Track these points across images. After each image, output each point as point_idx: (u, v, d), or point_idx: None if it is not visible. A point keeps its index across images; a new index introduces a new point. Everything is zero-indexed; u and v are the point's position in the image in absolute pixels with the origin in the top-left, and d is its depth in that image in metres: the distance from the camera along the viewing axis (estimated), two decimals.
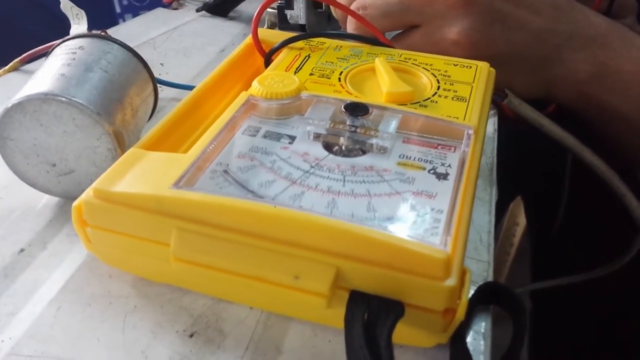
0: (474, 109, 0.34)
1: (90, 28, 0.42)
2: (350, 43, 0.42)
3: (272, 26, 0.61)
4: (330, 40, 0.42)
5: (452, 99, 0.35)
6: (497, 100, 0.45)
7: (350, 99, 0.34)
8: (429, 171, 0.29)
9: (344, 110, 0.33)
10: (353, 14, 0.45)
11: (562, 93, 0.48)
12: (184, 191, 0.26)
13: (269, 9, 0.60)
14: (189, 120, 0.35)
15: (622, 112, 0.47)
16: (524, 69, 0.47)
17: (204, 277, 0.27)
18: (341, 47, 0.41)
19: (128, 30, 0.64)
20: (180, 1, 0.73)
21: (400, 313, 0.24)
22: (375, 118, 0.32)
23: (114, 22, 0.94)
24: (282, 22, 0.59)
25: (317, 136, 0.32)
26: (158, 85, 0.40)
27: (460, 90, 0.35)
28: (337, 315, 0.25)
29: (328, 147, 0.31)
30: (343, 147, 0.31)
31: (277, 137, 0.31)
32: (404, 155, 0.30)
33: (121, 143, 0.33)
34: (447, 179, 0.29)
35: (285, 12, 0.58)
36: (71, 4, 0.43)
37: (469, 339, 0.27)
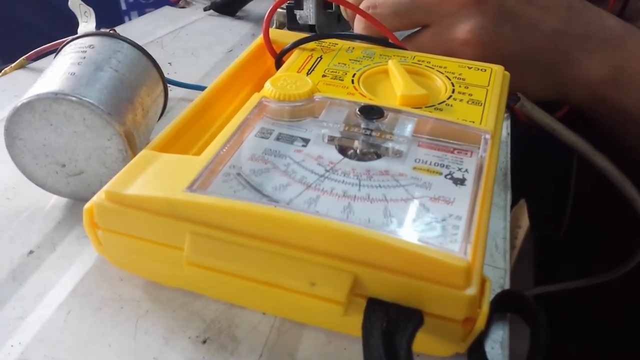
0: (490, 113, 0.33)
1: (96, 26, 0.41)
2: (363, 44, 0.41)
3: (280, 26, 0.61)
4: (342, 42, 0.41)
5: (468, 102, 0.34)
6: (510, 104, 0.45)
7: (365, 101, 0.33)
8: (445, 176, 0.29)
9: (358, 113, 0.32)
10: (363, 13, 0.44)
11: (575, 95, 0.48)
12: (197, 195, 0.26)
13: (278, 9, 0.59)
14: (200, 121, 0.34)
15: (637, 114, 0.47)
16: (536, 70, 0.47)
17: (217, 282, 0.26)
18: (353, 48, 0.40)
19: (135, 29, 0.63)
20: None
21: (420, 322, 0.23)
22: (390, 121, 0.32)
23: (119, 20, 0.93)
24: (291, 23, 0.58)
25: (331, 139, 0.31)
26: (167, 85, 0.40)
27: (476, 94, 0.35)
28: (353, 323, 0.24)
29: (342, 150, 0.30)
30: (358, 151, 0.30)
31: (291, 139, 0.31)
32: (419, 160, 0.30)
33: (132, 144, 0.32)
34: (465, 185, 0.28)
35: (295, 12, 0.57)
36: (79, 1, 0.42)
37: (487, 348, 0.26)
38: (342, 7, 0.54)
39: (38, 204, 0.34)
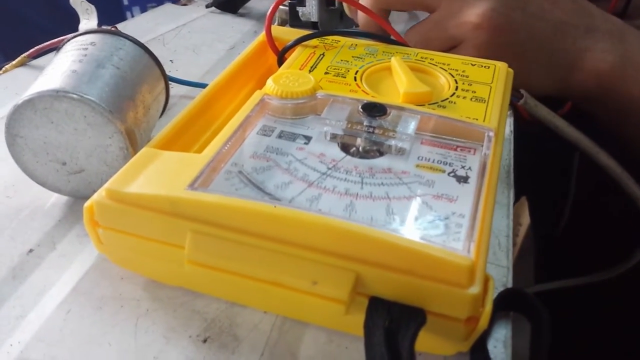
0: (494, 111, 0.33)
1: (97, 23, 0.41)
2: (366, 41, 0.41)
3: (282, 23, 0.60)
4: (344, 39, 0.41)
5: (471, 99, 0.34)
6: (514, 101, 0.44)
7: (367, 99, 0.33)
8: (448, 174, 0.29)
9: (361, 110, 0.32)
10: (365, 9, 0.44)
11: (581, 85, 0.47)
12: (199, 193, 0.26)
13: (280, 6, 0.59)
14: (202, 119, 0.34)
15: None
16: (543, 59, 0.47)
17: (218, 280, 0.26)
18: (356, 45, 0.40)
19: (136, 26, 0.63)
20: None
21: (422, 321, 0.23)
22: (393, 119, 0.32)
23: (121, 16, 0.93)
24: (293, 20, 0.58)
25: (333, 137, 0.31)
26: (169, 82, 0.40)
27: (479, 91, 0.35)
28: (355, 322, 0.24)
29: (345, 148, 0.30)
30: (360, 148, 0.30)
31: (293, 137, 0.31)
32: (422, 157, 0.30)
33: (133, 142, 0.32)
34: (468, 182, 0.28)
35: (297, 9, 0.57)
36: None
37: (489, 347, 0.26)
38: (345, 5, 0.53)
39: (38, 202, 0.34)
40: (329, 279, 0.24)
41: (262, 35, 0.42)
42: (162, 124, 0.33)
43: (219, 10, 0.69)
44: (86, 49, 0.35)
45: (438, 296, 0.23)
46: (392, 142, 0.30)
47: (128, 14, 0.95)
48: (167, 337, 0.26)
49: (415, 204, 0.27)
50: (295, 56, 0.39)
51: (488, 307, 0.23)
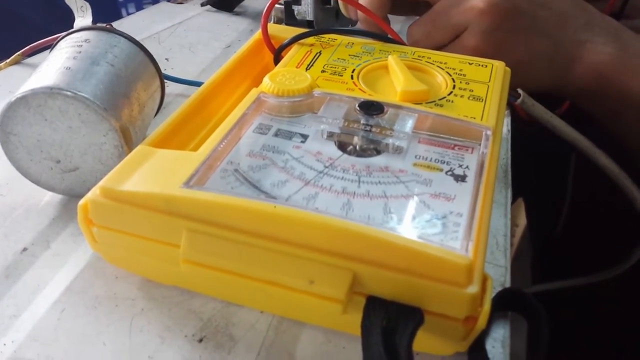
0: (491, 109, 0.33)
1: (93, 18, 0.41)
2: (362, 40, 0.41)
3: (278, 22, 0.60)
4: (341, 37, 0.41)
5: (468, 98, 0.34)
6: (511, 100, 0.44)
7: (364, 97, 0.33)
8: (446, 173, 0.28)
9: (358, 108, 0.32)
10: (362, 8, 0.44)
11: (580, 78, 0.47)
12: (194, 191, 0.25)
13: (276, 5, 0.58)
14: (198, 117, 0.34)
15: None
16: (547, 49, 0.47)
17: (214, 280, 0.26)
18: (353, 44, 0.40)
19: (132, 25, 0.63)
20: None
21: (420, 320, 0.23)
22: (390, 117, 0.32)
23: (116, 12, 0.93)
24: (289, 18, 0.58)
25: (330, 135, 0.31)
26: (164, 80, 0.39)
27: (477, 90, 0.35)
28: (352, 321, 0.24)
29: (342, 146, 0.30)
30: (357, 147, 0.30)
31: (289, 135, 0.31)
32: (420, 156, 0.29)
33: (128, 140, 0.32)
34: (466, 181, 0.28)
35: (293, 8, 0.57)
36: None
37: (487, 347, 0.26)
38: (340, 4, 0.53)
39: (32, 200, 0.34)
40: (326, 278, 0.24)
41: (258, 34, 0.42)
42: (158, 122, 0.32)
43: (214, 9, 0.68)
44: (80, 46, 0.34)
45: (436, 295, 0.23)
46: (390, 141, 0.30)
47: (123, 10, 0.94)
48: (163, 336, 0.26)
49: (413, 203, 0.26)
50: (292, 54, 0.38)
51: (486, 306, 0.23)
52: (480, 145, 0.30)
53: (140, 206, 0.25)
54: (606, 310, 0.67)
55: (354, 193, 0.27)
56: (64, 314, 0.27)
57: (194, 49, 0.57)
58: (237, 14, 0.68)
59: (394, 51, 0.39)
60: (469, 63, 0.38)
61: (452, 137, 0.31)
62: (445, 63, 0.38)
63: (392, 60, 0.36)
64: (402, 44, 0.41)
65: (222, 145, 0.29)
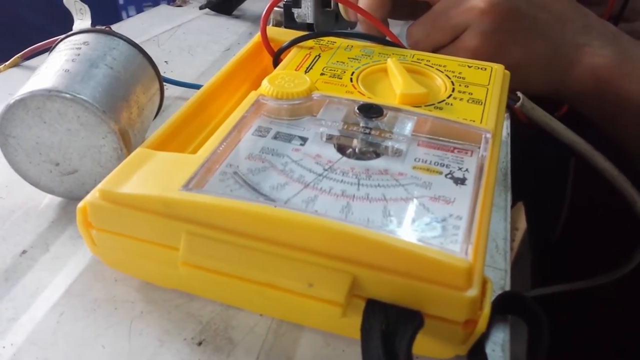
0: (491, 112, 0.33)
1: (92, 20, 0.41)
2: (362, 43, 0.41)
3: (277, 25, 0.60)
4: (340, 40, 0.41)
5: (468, 101, 0.34)
6: (510, 104, 0.44)
7: (363, 100, 0.33)
8: (445, 176, 0.28)
9: (357, 111, 0.32)
10: (362, 11, 0.44)
11: (578, 82, 0.47)
12: (193, 194, 0.25)
13: (275, 7, 0.58)
14: (197, 119, 0.34)
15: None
16: (544, 50, 0.47)
17: (213, 283, 0.26)
18: (352, 46, 0.40)
19: (131, 27, 0.63)
20: None
21: (420, 324, 0.23)
22: (389, 120, 0.32)
23: (116, 15, 0.93)
24: (288, 21, 0.58)
25: (329, 138, 0.31)
26: (163, 83, 0.39)
27: (476, 93, 0.35)
28: (351, 325, 0.24)
29: (341, 149, 0.30)
30: (357, 150, 0.30)
31: (288, 138, 0.30)
32: (419, 159, 0.29)
33: (127, 142, 0.32)
34: (465, 184, 0.28)
35: (292, 11, 0.57)
36: None
37: (487, 351, 0.26)
38: (341, 7, 0.53)
39: (31, 203, 0.34)
40: (325, 281, 0.24)
41: (257, 36, 0.42)
42: (157, 125, 0.32)
43: (213, 12, 0.68)
44: (79, 48, 0.34)
45: (435, 299, 0.23)
46: (389, 144, 0.30)
47: (124, 13, 0.94)
48: (162, 339, 0.26)
49: (412, 206, 0.26)
50: (291, 57, 0.38)
51: (486, 310, 0.23)
52: (479, 148, 0.30)
53: (139, 209, 0.25)
54: (606, 313, 0.67)
55: (354, 196, 0.27)
56: (63, 317, 0.27)
57: (193, 52, 0.57)
58: (236, 17, 0.68)
59: (393, 54, 0.39)
60: (468, 66, 0.38)
61: (451, 140, 0.31)
62: (445, 66, 0.38)
63: (392, 63, 0.36)
64: (402, 46, 0.41)
65: (221, 148, 0.29)
